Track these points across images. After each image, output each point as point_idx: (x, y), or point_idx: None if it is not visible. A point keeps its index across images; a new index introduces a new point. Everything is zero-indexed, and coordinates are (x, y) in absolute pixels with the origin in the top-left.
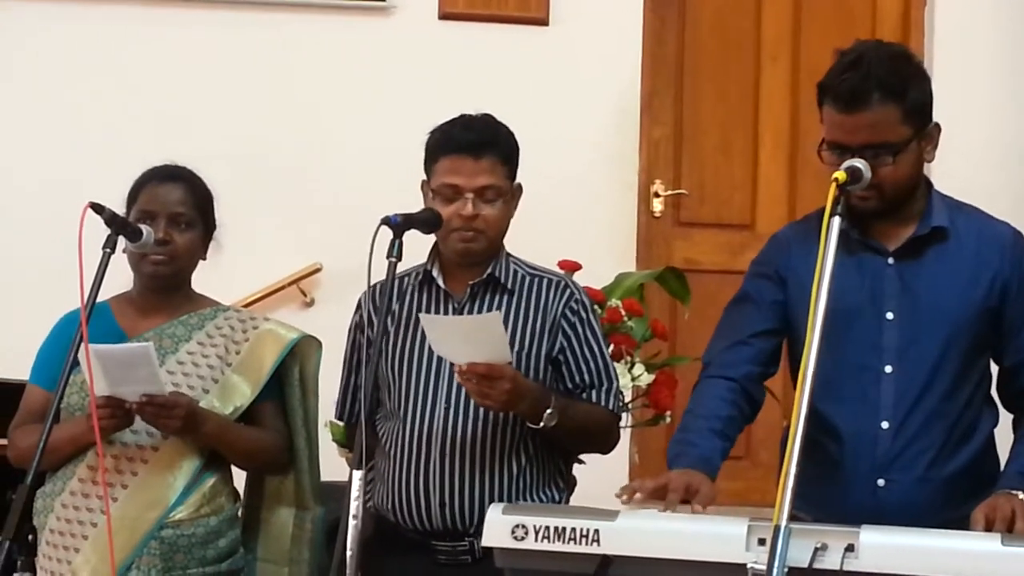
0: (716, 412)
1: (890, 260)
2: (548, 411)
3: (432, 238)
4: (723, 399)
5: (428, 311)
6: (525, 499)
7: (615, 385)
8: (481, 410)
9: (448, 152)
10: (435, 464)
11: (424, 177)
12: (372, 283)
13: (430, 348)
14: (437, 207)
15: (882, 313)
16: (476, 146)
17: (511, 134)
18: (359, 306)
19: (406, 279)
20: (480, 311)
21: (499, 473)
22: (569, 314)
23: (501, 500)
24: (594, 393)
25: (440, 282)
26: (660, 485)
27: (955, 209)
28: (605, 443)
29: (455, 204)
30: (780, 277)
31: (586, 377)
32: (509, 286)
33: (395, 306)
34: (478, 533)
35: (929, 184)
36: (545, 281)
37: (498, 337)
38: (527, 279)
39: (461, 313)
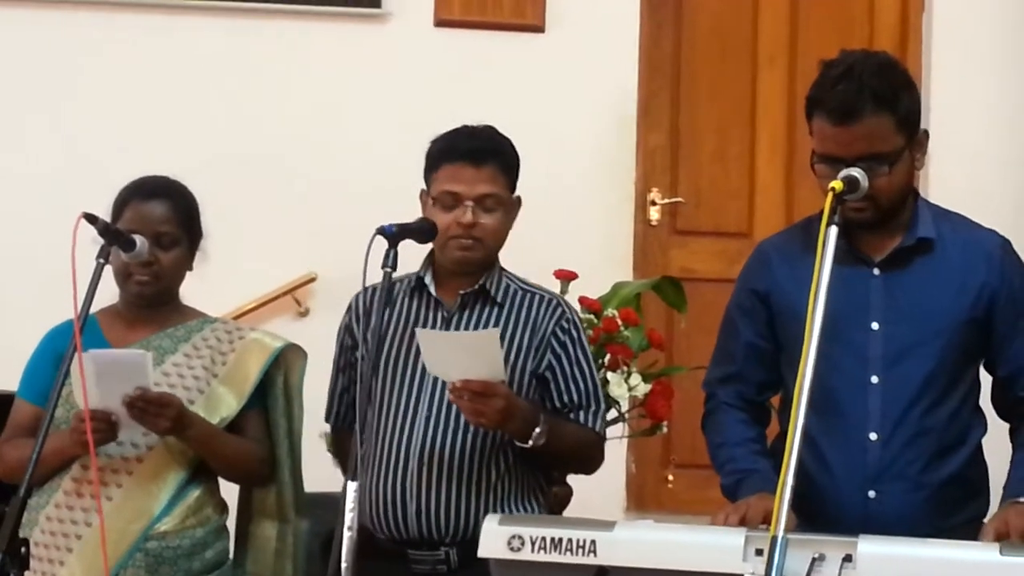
0: (746, 436)
1: (876, 271)
2: (537, 430)
3: (428, 245)
4: (743, 422)
5: (418, 319)
6: (500, 510)
7: (602, 407)
8: (461, 421)
9: (449, 160)
10: (413, 472)
11: (423, 187)
12: (363, 288)
13: (416, 357)
14: (436, 215)
15: (867, 323)
16: (478, 154)
17: (512, 145)
18: (349, 308)
19: (398, 285)
20: (469, 322)
21: (475, 484)
22: (560, 332)
23: (477, 510)
24: (581, 414)
25: (432, 290)
26: (742, 515)
27: (941, 218)
28: (589, 465)
29: (454, 212)
30: (764, 293)
31: (575, 397)
32: (499, 299)
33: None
34: (454, 543)
35: (916, 193)
36: (537, 298)
37: (495, 354)
38: (519, 294)
39: (450, 322)
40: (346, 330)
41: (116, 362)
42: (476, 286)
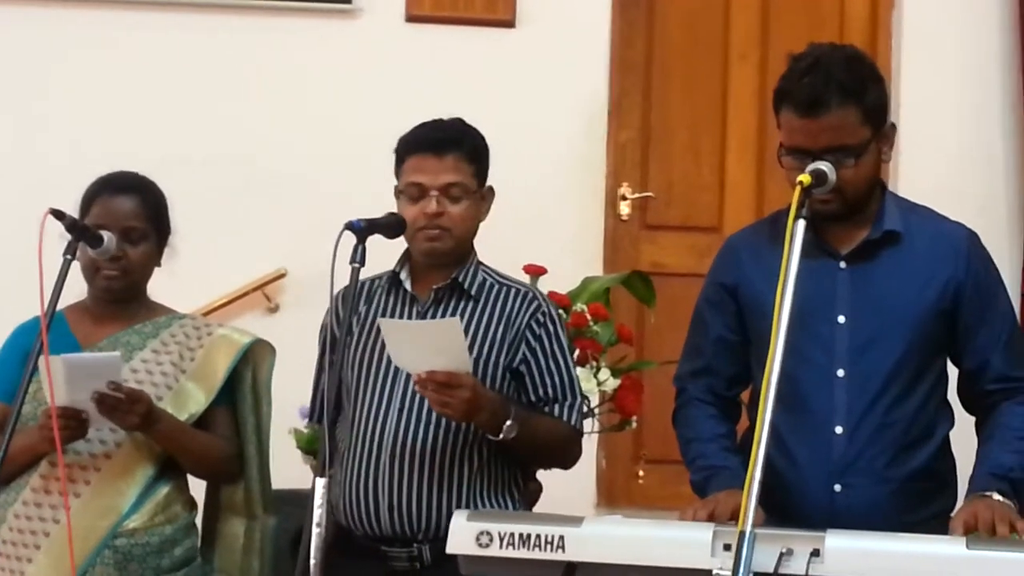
0: (716, 431)
1: (842, 264)
2: (508, 423)
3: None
4: (713, 417)
5: (393, 314)
6: (475, 506)
7: (578, 401)
8: (433, 415)
9: (414, 152)
10: (384, 467)
11: (396, 183)
12: (346, 285)
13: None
14: (404, 208)
15: (834, 316)
16: (441, 144)
17: (480, 135)
18: (330, 307)
19: (376, 281)
20: (443, 316)
21: (448, 479)
22: (535, 326)
23: (450, 506)
24: (556, 407)
25: (407, 285)
26: (710, 511)
27: (908, 211)
28: (565, 459)
29: (420, 203)
30: (732, 287)
31: (549, 391)
32: (473, 293)
33: (361, 308)
34: (426, 539)
35: (883, 186)
36: (512, 291)
37: (458, 344)
38: (494, 287)
39: (424, 317)
40: (327, 329)
41: (87, 365)
42: (449, 280)
